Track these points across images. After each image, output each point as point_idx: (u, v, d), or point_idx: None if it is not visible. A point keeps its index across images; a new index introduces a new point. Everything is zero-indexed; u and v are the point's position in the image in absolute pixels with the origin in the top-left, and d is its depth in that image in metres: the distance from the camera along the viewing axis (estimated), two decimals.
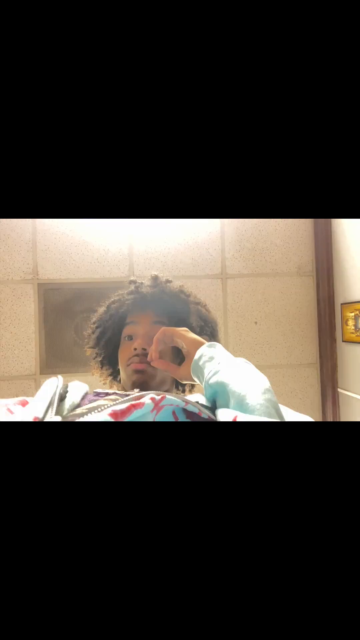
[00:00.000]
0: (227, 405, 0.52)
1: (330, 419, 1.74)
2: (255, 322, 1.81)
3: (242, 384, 0.52)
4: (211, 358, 0.60)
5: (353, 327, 1.59)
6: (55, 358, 1.74)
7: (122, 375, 0.72)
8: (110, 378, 0.82)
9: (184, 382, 0.76)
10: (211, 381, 0.56)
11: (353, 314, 1.58)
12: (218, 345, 0.63)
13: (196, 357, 0.62)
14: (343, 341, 1.67)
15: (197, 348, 0.63)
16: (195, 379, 0.63)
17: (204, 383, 0.59)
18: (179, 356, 0.74)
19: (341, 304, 1.68)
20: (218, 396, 0.56)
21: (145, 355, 0.68)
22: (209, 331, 0.78)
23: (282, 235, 1.82)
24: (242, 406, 0.49)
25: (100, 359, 0.80)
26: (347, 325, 1.63)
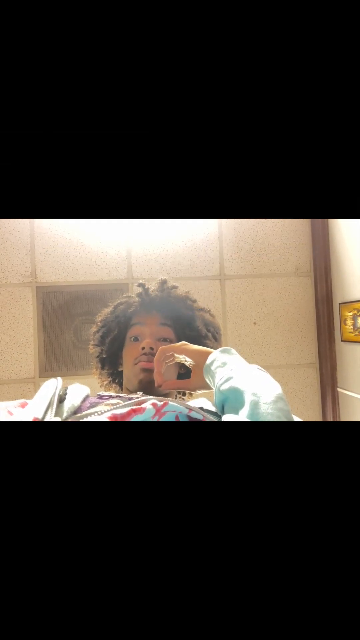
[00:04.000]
0: (236, 412, 0.51)
1: (330, 418, 1.75)
2: (254, 323, 1.81)
3: (254, 392, 0.50)
4: (224, 364, 0.58)
5: (352, 327, 1.59)
6: (54, 361, 1.74)
7: (128, 374, 0.72)
8: (109, 380, 0.82)
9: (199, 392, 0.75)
10: (222, 388, 0.55)
11: (351, 314, 1.59)
12: (232, 351, 0.62)
13: (208, 361, 0.60)
14: (342, 341, 1.68)
15: (204, 357, 0.61)
16: (208, 382, 0.62)
17: (214, 389, 0.58)
18: (182, 371, 0.74)
19: (339, 303, 1.68)
20: (227, 403, 0.54)
21: (153, 354, 0.68)
22: (211, 336, 0.79)
23: (279, 236, 1.83)
24: (253, 414, 0.48)
25: (103, 356, 0.80)
26: (345, 324, 1.64)
